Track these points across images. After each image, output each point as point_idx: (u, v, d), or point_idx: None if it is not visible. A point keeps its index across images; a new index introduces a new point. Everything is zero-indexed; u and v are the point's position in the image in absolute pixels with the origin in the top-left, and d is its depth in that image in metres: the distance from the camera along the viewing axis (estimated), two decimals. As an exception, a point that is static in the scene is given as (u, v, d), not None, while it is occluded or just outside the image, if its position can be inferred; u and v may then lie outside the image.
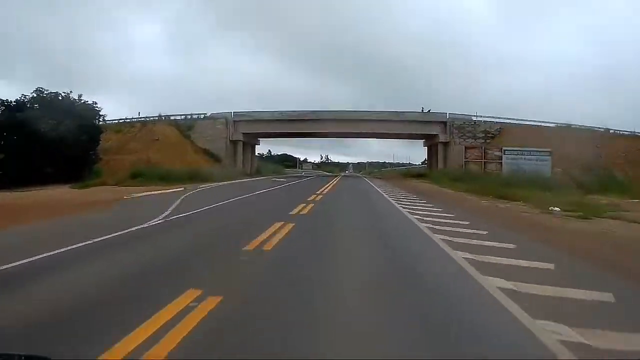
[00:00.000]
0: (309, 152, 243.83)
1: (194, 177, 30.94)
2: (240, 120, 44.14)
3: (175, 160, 38.39)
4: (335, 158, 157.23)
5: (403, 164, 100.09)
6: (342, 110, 41.57)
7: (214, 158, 43.36)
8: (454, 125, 40.20)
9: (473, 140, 40.17)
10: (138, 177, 29.72)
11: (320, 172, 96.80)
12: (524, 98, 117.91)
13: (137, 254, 6.25)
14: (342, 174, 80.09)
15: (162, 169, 32.27)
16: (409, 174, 54.57)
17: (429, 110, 41.20)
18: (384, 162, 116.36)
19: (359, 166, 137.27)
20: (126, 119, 49.03)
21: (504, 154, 30.81)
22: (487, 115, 41.83)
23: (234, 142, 44.57)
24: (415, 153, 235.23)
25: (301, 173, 78.96)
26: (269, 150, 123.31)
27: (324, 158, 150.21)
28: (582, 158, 36.85)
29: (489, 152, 31.51)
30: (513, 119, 42.26)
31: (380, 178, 50.70)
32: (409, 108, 43.44)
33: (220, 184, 26.23)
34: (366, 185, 29.11)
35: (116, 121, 47.68)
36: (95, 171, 32.01)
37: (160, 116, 47.34)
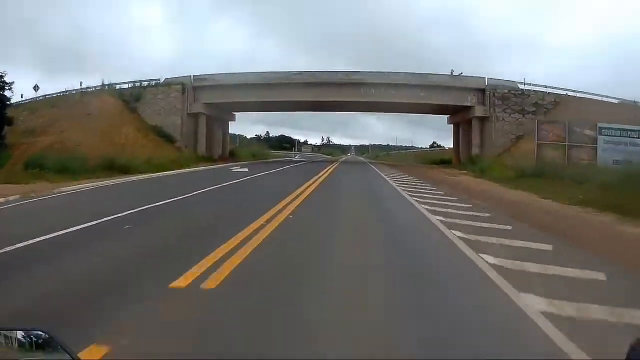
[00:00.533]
0: (310, 134, 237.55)
1: (114, 165, 22.05)
2: (202, 87, 34.15)
3: (104, 141, 29.30)
4: (336, 140, 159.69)
5: (406, 147, 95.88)
6: (343, 71, 31.58)
7: (166, 138, 33.65)
8: (496, 94, 30.35)
9: (521, 116, 30.48)
10: (36, 167, 20.97)
11: (318, 156, 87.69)
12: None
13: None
14: (342, 158, 70.32)
15: (70, 155, 23.37)
16: (427, 160, 44.91)
17: (461, 74, 31.29)
18: (387, 144, 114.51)
19: (361, 149, 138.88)
20: (65, 90, 39.24)
21: (600, 134, 20.63)
22: (537, 84, 32.04)
23: (194, 116, 34.70)
24: (420, 135, 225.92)
25: (293, 157, 69.06)
26: (267, 132, 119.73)
27: (325, 140, 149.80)
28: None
29: (576, 130, 21.28)
30: (569, 90, 32.68)
31: (390, 164, 40.86)
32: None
33: (134, 178, 16.94)
34: (377, 179, 19.58)
35: (55, 95, 38.62)
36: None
37: (103, 85, 37.67)
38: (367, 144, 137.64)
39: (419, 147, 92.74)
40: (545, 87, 32.14)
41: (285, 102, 33.76)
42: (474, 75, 31.08)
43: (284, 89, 31.84)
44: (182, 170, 23.01)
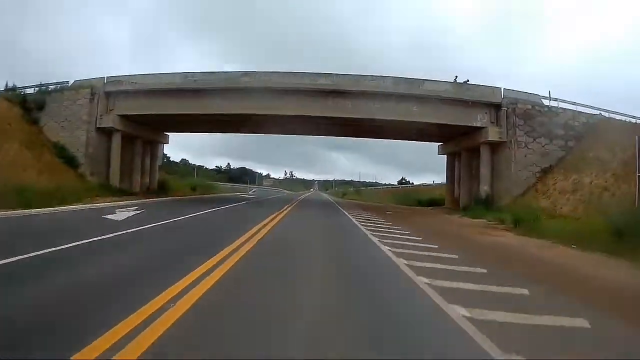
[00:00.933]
0: (273, 168, 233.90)
1: None
2: (118, 92, 25.20)
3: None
4: (300, 175, 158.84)
5: (371, 184, 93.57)
6: (308, 73, 22.73)
7: (67, 160, 24.60)
8: (517, 111, 22.34)
9: (548, 141, 22.52)
10: None
11: (278, 190, 79.44)
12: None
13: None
14: (304, 195, 59.26)
15: None
16: (408, 199, 36.49)
17: (467, 81, 23.20)
18: (351, 180, 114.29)
19: (324, 184, 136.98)
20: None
21: None
22: (563, 99, 24.39)
23: (107, 133, 25.61)
24: (383, 172, 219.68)
25: (248, 191, 59.09)
26: (228, 163, 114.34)
27: (288, 174, 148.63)
28: None
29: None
30: (602, 109, 25.31)
31: (366, 207, 32.18)
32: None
33: None
34: (366, 245, 10.62)
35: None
36: None
37: (7, 89, 28.56)
38: (330, 179, 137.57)
39: (383, 183, 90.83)
40: (575, 104, 24.47)
41: (229, 117, 24.87)
42: (486, 85, 22.97)
43: (226, 98, 23.11)
44: (50, 210, 13.85)
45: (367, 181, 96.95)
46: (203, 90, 23.38)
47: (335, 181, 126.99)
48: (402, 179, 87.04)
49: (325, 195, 67.23)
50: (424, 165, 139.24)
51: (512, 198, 21.50)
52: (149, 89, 24.27)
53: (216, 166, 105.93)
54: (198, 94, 23.51)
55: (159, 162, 35.83)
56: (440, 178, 40.51)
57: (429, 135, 28.97)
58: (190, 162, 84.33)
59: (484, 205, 21.76)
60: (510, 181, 22.07)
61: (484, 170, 23.46)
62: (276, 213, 17.65)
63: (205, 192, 37.17)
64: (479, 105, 22.91)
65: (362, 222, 16.16)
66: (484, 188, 23.25)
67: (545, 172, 22.16)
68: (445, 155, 31.07)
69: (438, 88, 22.27)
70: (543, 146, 22.41)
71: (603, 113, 25.29)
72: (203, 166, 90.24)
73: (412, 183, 69.54)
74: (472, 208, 22.68)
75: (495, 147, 23.20)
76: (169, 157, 79.83)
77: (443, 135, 27.76)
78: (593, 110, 24.91)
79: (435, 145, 32.44)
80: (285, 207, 23.51)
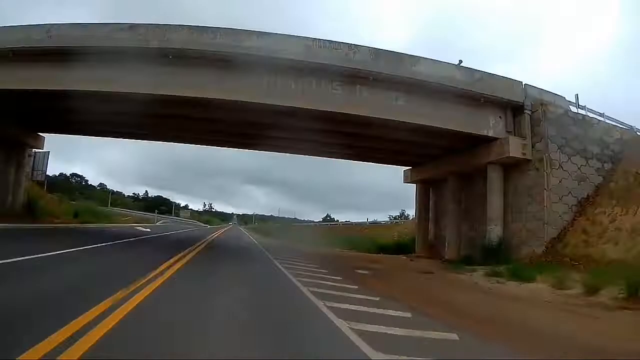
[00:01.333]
0: (192, 199, 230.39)
1: None
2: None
3: None
4: (219, 207, 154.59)
5: (292, 219, 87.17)
6: (231, 30, 13.57)
7: None
8: (547, 116, 15.02)
9: (584, 161, 15.38)
10: None
11: (192, 223, 70.65)
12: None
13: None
14: (220, 231, 44.65)
15: None
16: (354, 241, 27.40)
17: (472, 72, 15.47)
18: (271, 215, 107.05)
19: (243, 217, 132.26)
20: None
21: None
22: (590, 108, 17.64)
23: None
24: (302, 208, 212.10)
25: (156, 223, 47.64)
26: (146, 191, 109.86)
27: (207, 206, 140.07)
28: None
29: None
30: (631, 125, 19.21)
31: (323, 262, 23.49)
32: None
33: None
34: None
35: None
36: None
37: None
38: (250, 212, 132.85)
39: (303, 219, 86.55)
40: (602, 115, 17.77)
41: (119, 100, 15.37)
42: (501, 75, 15.46)
43: (115, 66, 13.90)
44: None
45: (287, 217, 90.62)
46: (73, 53, 14.00)
47: (255, 215, 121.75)
48: (327, 215, 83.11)
49: (246, 234, 48.08)
50: (346, 202, 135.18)
51: (546, 244, 13.82)
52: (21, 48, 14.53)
53: (133, 193, 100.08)
54: (67, 59, 14.09)
55: (40, 176, 25.66)
56: (375, 215, 32.83)
57: (398, 152, 20.86)
58: (108, 187, 79.70)
59: (501, 256, 13.90)
60: (538, 219, 14.40)
61: (495, 202, 15.72)
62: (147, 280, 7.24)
63: (94, 219, 26.89)
64: (490, 105, 15.34)
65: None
66: (495, 229, 15.43)
67: (582, 204, 14.85)
68: (415, 185, 23.22)
69: (437, 72, 14.22)
70: (579, 168, 15.16)
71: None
72: (121, 192, 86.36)
73: (337, 220, 63.65)
74: (477, 260, 14.75)
75: (511, 168, 15.62)
76: (87, 180, 75.97)
77: (414, 151, 19.63)
78: (623, 125, 18.42)
79: (384, 172, 24.82)
80: (180, 255, 11.87)
